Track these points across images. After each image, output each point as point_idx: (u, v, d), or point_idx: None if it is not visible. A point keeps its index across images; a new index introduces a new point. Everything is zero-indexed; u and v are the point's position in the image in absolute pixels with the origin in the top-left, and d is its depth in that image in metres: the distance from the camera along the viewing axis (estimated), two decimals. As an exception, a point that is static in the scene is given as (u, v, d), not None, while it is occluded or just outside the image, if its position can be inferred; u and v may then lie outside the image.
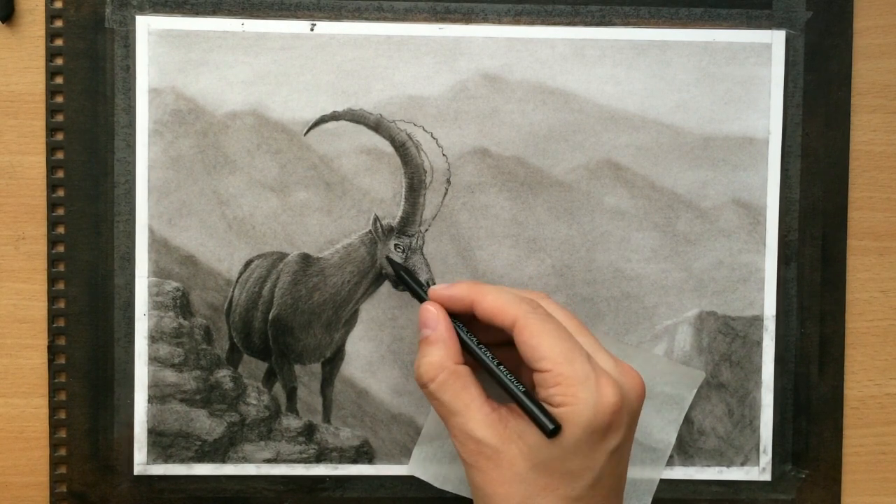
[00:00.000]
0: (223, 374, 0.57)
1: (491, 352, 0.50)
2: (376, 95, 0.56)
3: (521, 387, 0.48)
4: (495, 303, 0.49)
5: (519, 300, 0.49)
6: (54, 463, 0.56)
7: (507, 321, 0.48)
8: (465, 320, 0.51)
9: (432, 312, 0.50)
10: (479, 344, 0.50)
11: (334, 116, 0.56)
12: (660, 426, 0.56)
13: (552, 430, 0.46)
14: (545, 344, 0.47)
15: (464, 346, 0.50)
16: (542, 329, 0.48)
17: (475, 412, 0.48)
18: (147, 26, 0.55)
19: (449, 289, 0.51)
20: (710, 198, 0.57)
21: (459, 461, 0.56)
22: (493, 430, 0.47)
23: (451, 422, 0.49)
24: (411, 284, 0.54)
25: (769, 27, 0.57)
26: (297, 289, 0.56)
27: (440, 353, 0.49)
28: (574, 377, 0.46)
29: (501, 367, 0.49)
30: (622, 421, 0.47)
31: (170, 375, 0.56)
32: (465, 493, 0.56)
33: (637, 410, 0.49)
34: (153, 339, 0.56)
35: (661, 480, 0.57)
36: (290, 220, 0.56)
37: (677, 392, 0.56)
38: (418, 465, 0.56)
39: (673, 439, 0.57)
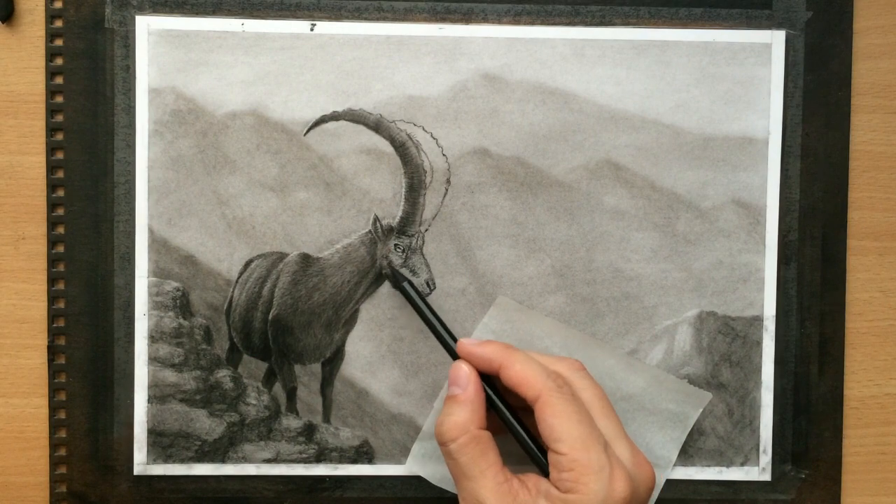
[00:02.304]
0: (223, 374, 0.57)
1: (515, 414, 0.51)
2: (376, 95, 0.56)
3: (543, 459, 0.49)
4: (522, 373, 0.49)
5: (545, 375, 0.49)
6: (54, 463, 0.56)
7: (531, 394, 0.49)
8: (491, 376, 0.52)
9: (464, 372, 0.50)
10: (504, 404, 0.51)
11: (334, 116, 0.56)
12: (662, 443, 0.56)
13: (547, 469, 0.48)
14: (564, 426, 0.47)
15: (489, 402, 0.51)
16: (564, 410, 0.48)
17: (489, 480, 0.48)
18: (147, 26, 0.55)
19: (479, 346, 0.51)
20: (710, 198, 0.57)
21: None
22: (502, 502, 0.47)
23: (463, 484, 0.49)
24: (443, 336, 0.53)
25: (769, 27, 0.57)
26: (297, 289, 0.56)
27: (465, 415, 0.49)
28: (588, 466, 0.46)
29: (522, 429, 0.51)
30: None
31: (170, 375, 0.56)
32: None
33: (641, 501, 0.49)
34: (153, 339, 0.56)
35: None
36: (289, 220, 0.56)
37: (682, 410, 0.56)
38: (416, 462, 0.56)
39: (674, 457, 0.57)
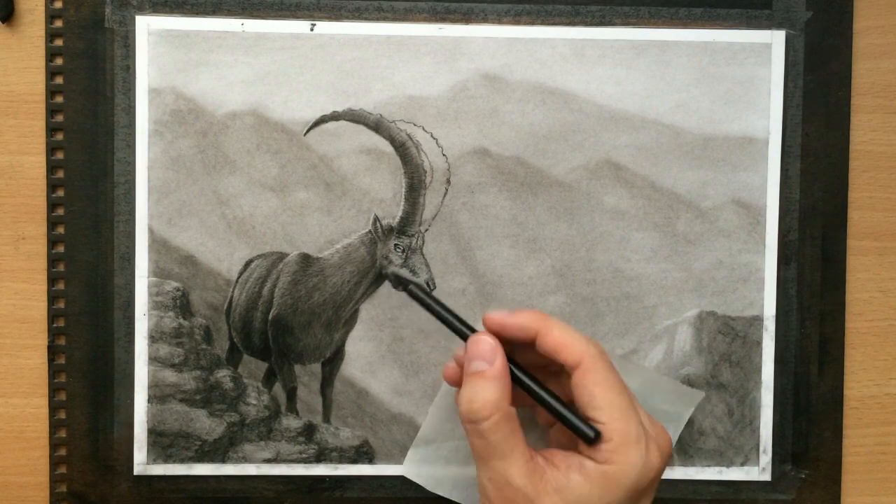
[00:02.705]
0: (223, 374, 0.57)
1: (543, 385, 0.49)
2: (376, 95, 0.56)
3: (569, 412, 0.47)
4: (562, 338, 0.47)
5: (586, 340, 0.48)
6: (54, 463, 0.56)
7: (571, 360, 0.47)
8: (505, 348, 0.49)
9: (490, 345, 0.48)
10: (528, 375, 0.49)
11: (334, 116, 0.56)
12: None
13: (594, 437, 0.46)
14: (606, 395, 0.46)
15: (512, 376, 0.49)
16: (606, 378, 0.47)
17: (518, 457, 0.46)
18: (147, 26, 0.55)
19: (512, 316, 0.49)
20: (710, 198, 0.57)
21: (453, 465, 0.55)
22: (531, 481, 0.46)
23: (492, 464, 0.47)
24: (450, 321, 0.50)
25: (769, 27, 0.57)
26: (297, 289, 0.56)
27: (497, 391, 0.47)
28: (628, 436, 0.46)
29: (547, 393, 0.48)
30: (656, 483, 0.47)
31: (170, 375, 0.56)
32: (456, 497, 0.56)
33: (664, 470, 0.48)
34: (153, 339, 0.56)
35: (661, 480, 0.57)
36: (289, 220, 0.56)
37: (675, 410, 0.56)
38: (412, 467, 0.56)
39: None
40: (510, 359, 0.49)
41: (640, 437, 0.46)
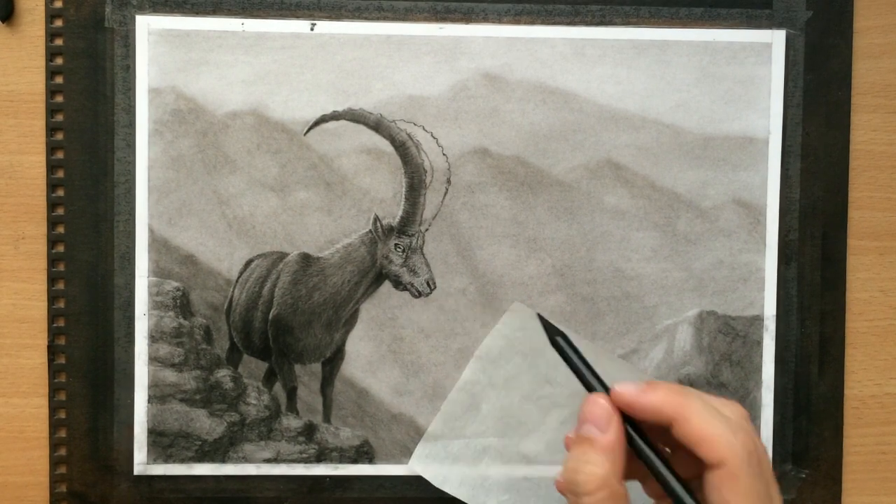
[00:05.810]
0: (223, 374, 0.57)
1: (666, 462, 0.43)
2: (376, 95, 0.56)
3: None
4: (703, 430, 0.41)
5: (731, 434, 0.41)
6: (54, 463, 0.56)
7: (714, 457, 0.41)
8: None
9: (606, 411, 0.42)
10: (653, 451, 0.43)
11: (334, 116, 0.56)
12: None
13: None
14: None
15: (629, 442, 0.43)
16: (750, 490, 0.40)
17: None
18: (147, 26, 0.55)
19: (644, 394, 0.42)
20: (710, 198, 0.57)
21: (461, 463, 0.56)
22: None
23: None
24: (585, 375, 0.44)
25: (769, 27, 0.57)
26: (297, 288, 0.56)
27: (607, 466, 0.41)
28: None
29: (677, 482, 0.42)
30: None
31: (170, 375, 0.56)
32: (462, 495, 0.56)
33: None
34: (153, 338, 0.56)
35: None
36: (290, 219, 0.56)
37: None
38: (419, 463, 0.56)
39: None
40: (631, 422, 0.43)
41: None
